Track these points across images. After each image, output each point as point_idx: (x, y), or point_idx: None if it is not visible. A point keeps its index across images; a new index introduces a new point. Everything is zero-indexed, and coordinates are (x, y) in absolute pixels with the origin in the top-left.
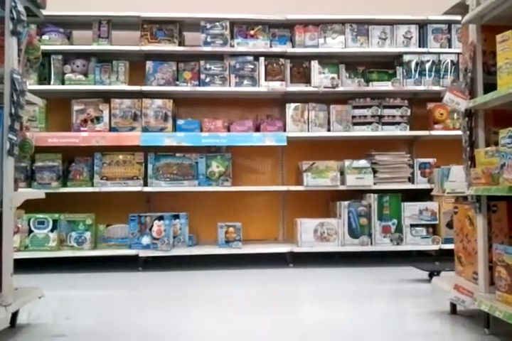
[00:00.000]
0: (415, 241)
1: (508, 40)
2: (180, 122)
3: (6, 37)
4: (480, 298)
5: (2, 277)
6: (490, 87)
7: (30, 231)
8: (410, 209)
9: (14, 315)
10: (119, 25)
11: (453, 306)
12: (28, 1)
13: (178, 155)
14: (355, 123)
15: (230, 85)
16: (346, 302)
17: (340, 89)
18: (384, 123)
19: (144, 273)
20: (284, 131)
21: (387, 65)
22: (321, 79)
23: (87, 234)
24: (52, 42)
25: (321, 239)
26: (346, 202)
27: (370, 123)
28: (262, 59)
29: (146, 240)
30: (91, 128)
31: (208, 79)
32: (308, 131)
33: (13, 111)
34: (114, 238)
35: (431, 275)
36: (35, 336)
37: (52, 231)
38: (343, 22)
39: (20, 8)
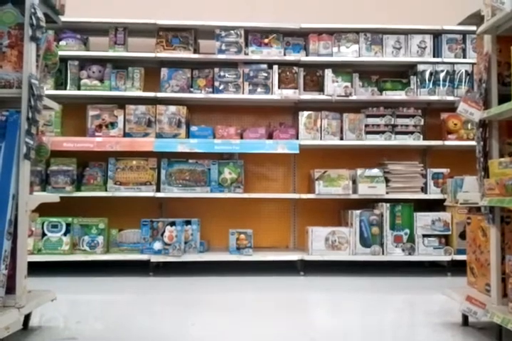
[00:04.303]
0: (427, 252)
1: None
2: (193, 129)
3: (25, 42)
4: (492, 309)
5: (16, 279)
6: (504, 97)
7: (44, 234)
8: (423, 219)
9: (27, 317)
10: (135, 32)
11: (465, 318)
12: (48, 7)
13: (190, 161)
14: (368, 132)
15: (243, 93)
16: (357, 311)
17: (353, 97)
18: (397, 133)
19: (155, 278)
20: (297, 138)
21: (401, 74)
22: (334, 87)
23: (100, 239)
24: (69, 48)
25: (332, 248)
26: (358, 211)
27: (383, 132)
28: (275, 67)
29: (157, 245)
30: (105, 133)
31: (221, 87)
32: (320, 139)
33: (30, 115)
34: (126, 243)
35: None
36: (47, 339)
37: (65, 234)
38: (357, 31)
39: (40, 14)
